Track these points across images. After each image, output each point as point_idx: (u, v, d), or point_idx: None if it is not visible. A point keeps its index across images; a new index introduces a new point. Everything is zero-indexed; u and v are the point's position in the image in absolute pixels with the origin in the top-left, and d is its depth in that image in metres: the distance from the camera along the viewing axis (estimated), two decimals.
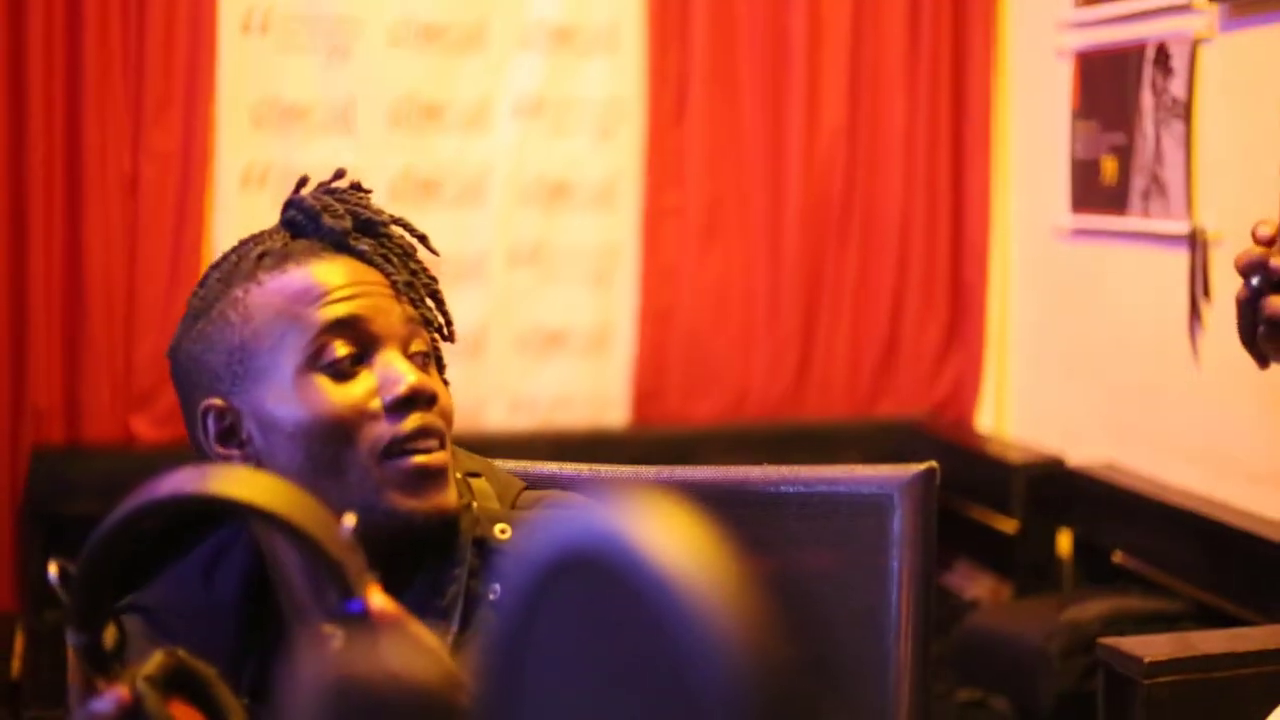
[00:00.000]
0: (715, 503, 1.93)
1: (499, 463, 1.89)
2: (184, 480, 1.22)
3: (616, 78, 5.00)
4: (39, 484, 4.38)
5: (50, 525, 4.25)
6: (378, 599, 1.21)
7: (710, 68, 5.02)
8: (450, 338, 1.76)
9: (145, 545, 1.73)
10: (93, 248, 4.51)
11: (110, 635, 1.27)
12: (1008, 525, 4.62)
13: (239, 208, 4.63)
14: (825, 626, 1.93)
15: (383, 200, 4.59)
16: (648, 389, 5.02)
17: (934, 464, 1.93)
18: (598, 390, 5.02)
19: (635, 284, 5.02)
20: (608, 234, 5.00)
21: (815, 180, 5.09)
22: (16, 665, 4.17)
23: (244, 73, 4.68)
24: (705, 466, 2.05)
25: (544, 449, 4.55)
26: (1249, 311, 1.69)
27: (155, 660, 1.27)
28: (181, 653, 1.30)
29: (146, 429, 4.55)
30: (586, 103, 4.98)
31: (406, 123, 4.83)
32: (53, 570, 1.24)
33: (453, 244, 4.76)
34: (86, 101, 4.49)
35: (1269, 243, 1.68)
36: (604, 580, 0.83)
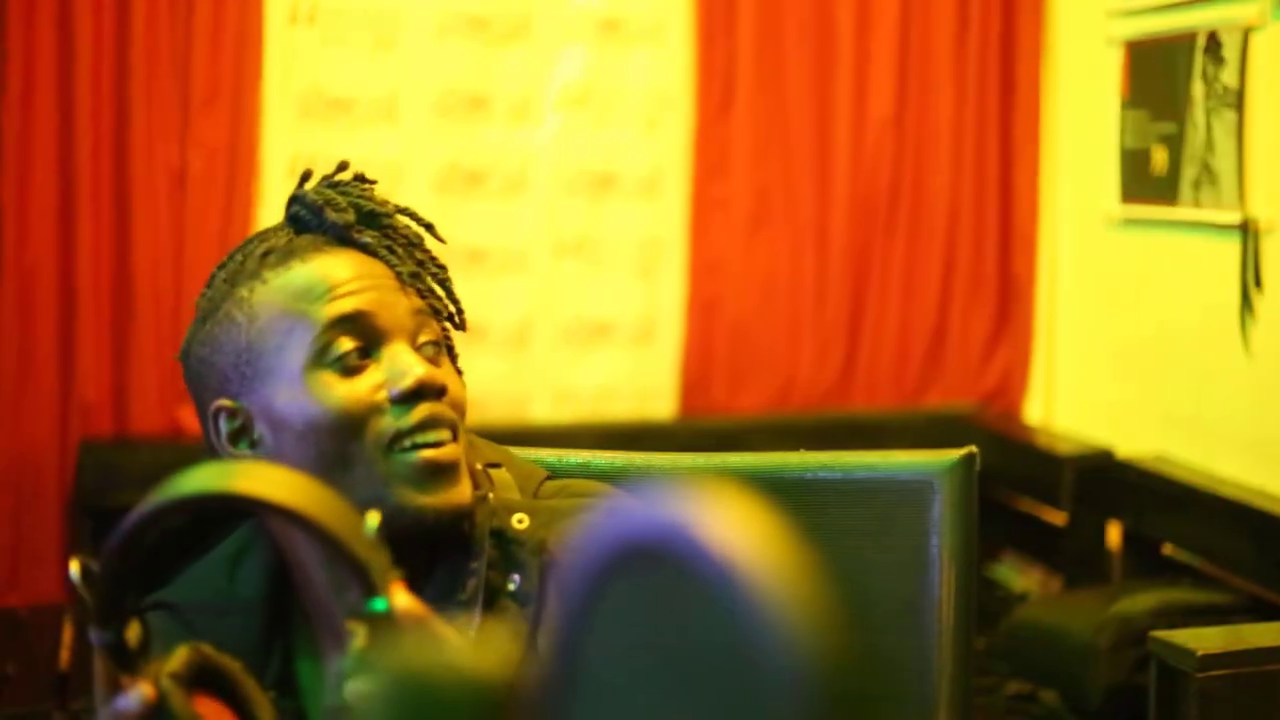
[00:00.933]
0: (754, 489, 1.93)
1: (526, 451, 1.88)
2: (207, 478, 1.21)
3: (662, 68, 4.99)
4: (87, 476, 4.40)
5: (98, 517, 4.26)
6: (402, 597, 1.20)
7: (757, 58, 5.01)
8: (461, 326, 1.75)
9: (168, 542, 1.72)
10: (140, 239, 4.53)
11: (134, 632, 1.26)
12: (1057, 517, 4.61)
13: (285, 199, 4.62)
14: (866, 613, 1.91)
15: (427, 191, 4.67)
16: (694, 380, 5.01)
17: (974, 449, 1.91)
18: (643, 381, 5.01)
19: (681, 275, 5.00)
20: (654, 225, 5.00)
21: (862, 170, 5.08)
22: (65, 656, 4.19)
23: (291, 64, 4.70)
24: (744, 453, 2.04)
25: (589, 440, 4.51)
26: None
27: (179, 656, 1.26)
28: (206, 648, 1.29)
29: (194, 421, 4.54)
30: (632, 94, 4.98)
31: (452, 114, 4.83)
32: (74, 568, 1.24)
33: (497, 235, 4.76)
34: (134, 94, 4.51)
35: None
36: (663, 570, 0.82)
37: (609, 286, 4.97)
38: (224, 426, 1.63)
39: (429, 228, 1.73)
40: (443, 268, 1.72)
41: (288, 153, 4.69)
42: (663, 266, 5.01)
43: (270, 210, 4.64)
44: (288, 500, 1.19)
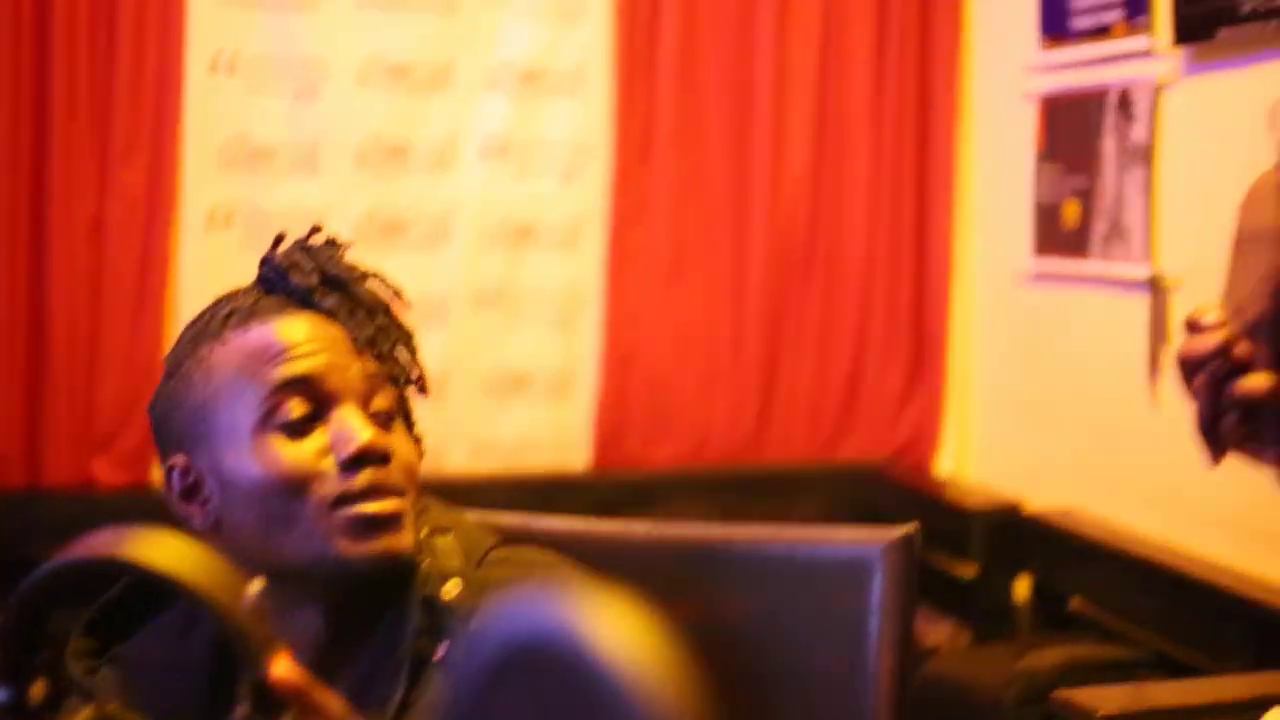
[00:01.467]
0: (696, 560, 1.96)
1: (489, 515, 1.90)
2: (98, 543, 1.23)
3: (583, 119, 5.01)
4: None
5: (10, 569, 4.22)
6: (282, 667, 1.22)
7: (676, 110, 5.04)
8: (424, 390, 1.78)
9: (137, 594, 1.75)
10: (56, 289, 4.50)
11: (39, 690, 1.28)
12: (967, 570, 4.63)
13: (204, 249, 4.63)
14: (802, 689, 1.93)
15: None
16: (609, 432, 5.02)
17: (915, 527, 1.93)
18: (560, 433, 5.02)
19: (599, 326, 5.02)
20: (572, 276, 5.01)
21: (779, 223, 5.11)
22: None
23: (211, 113, 4.69)
24: (688, 523, 2.06)
25: (505, 493, 4.56)
26: (1212, 400, 1.68)
27: (82, 715, 1.28)
28: (112, 707, 1.30)
29: (107, 472, 4.53)
30: (552, 144, 4.99)
31: (372, 164, 4.83)
32: None
33: (417, 285, 4.69)
34: (53, 142, 4.48)
35: (1215, 328, 1.67)
36: (551, 669, 0.84)
37: (527, 338, 4.98)
38: (177, 484, 1.68)
39: (397, 293, 1.76)
40: (407, 333, 1.75)
41: (207, 203, 4.67)
42: (580, 318, 5.03)
43: (189, 261, 4.62)
44: (169, 568, 1.21)
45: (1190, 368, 1.67)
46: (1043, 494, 4.64)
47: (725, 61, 5.07)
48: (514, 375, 4.97)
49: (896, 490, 5.00)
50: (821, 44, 5.12)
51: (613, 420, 5.03)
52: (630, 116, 5.01)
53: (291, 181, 4.76)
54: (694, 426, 5.09)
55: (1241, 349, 1.65)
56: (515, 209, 4.97)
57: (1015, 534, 4.57)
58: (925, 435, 5.24)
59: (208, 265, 4.58)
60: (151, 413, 1.74)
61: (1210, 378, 1.65)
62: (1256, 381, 1.64)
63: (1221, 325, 1.66)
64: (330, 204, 4.74)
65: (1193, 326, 1.67)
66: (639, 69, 5.01)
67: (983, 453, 5.15)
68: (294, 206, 4.69)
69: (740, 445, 5.12)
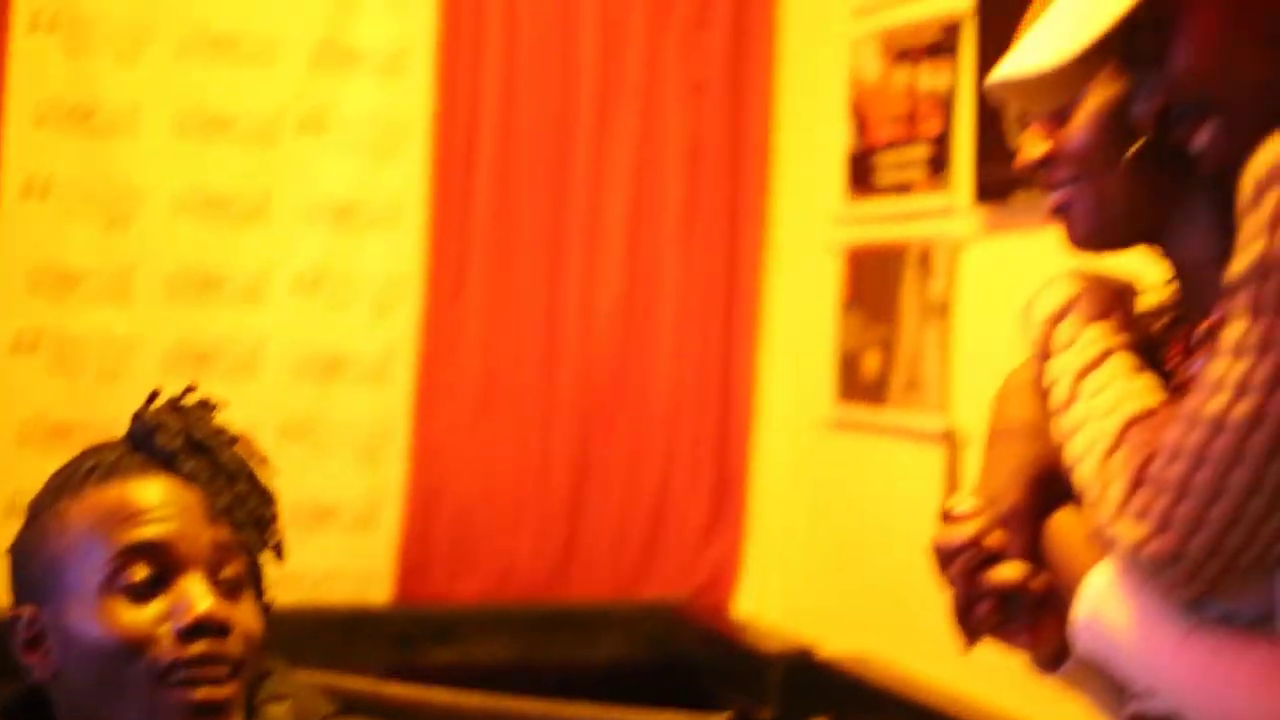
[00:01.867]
0: None
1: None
2: None
3: (397, 253, 5.04)
4: None
5: None
6: None
7: (490, 246, 5.09)
8: (280, 557, 1.78)
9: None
10: None
11: None
12: (764, 714, 4.66)
13: (8, 374, 4.56)
14: None
15: (156, 371, 4.61)
16: (413, 566, 5.02)
17: (731, 714, 1.96)
18: (362, 566, 5.01)
19: (405, 460, 5.04)
20: (380, 409, 5.02)
21: (588, 361, 5.18)
22: None
23: (21, 238, 4.65)
24: (522, 698, 2.08)
25: (306, 625, 4.54)
26: (966, 588, 1.75)
27: None
28: None
29: None
30: (365, 278, 5.02)
31: (184, 293, 4.81)
32: None
33: (225, 417, 4.72)
34: None
35: (969, 518, 1.75)
36: None
37: (333, 470, 4.97)
38: (22, 633, 1.67)
39: (262, 459, 1.77)
40: (269, 499, 1.77)
41: (14, 327, 4.62)
42: (387, 451, 5.04)
43: None
44: None
45: (945, 557, 1.75)
46: (839, 638, 4.69)
47: (540, 200, 5.14)
48: (318, 507, 4.95)
49: (696, 630, 5.04)
50: (634, 189, 5.22)
51: (416, 553, 5.03)
52: (444, 251, 5.06)
53: (101, 309, 4.72)
54: (498, 561, 5.10)
55: (994, 539, 1.73)
56: (325, 342, 4.98)
57: (811, 678, 4.61)
58: (725, 576, 5.29)
59: (12, 391, 4.53)
60: (10, 555, 1.75)
61: (964, 567, 1.73)
62: (1008, 572, 1.73)
63: (975, 515, 1.74)
64: (140, 333, 4.72)
65: (947, 517, 1.75)
66: (454, 205, 5.07)
67: (782, 595, 5.21)
68: (103, 334, 4.67)
69: (544, 581, 5.14)
